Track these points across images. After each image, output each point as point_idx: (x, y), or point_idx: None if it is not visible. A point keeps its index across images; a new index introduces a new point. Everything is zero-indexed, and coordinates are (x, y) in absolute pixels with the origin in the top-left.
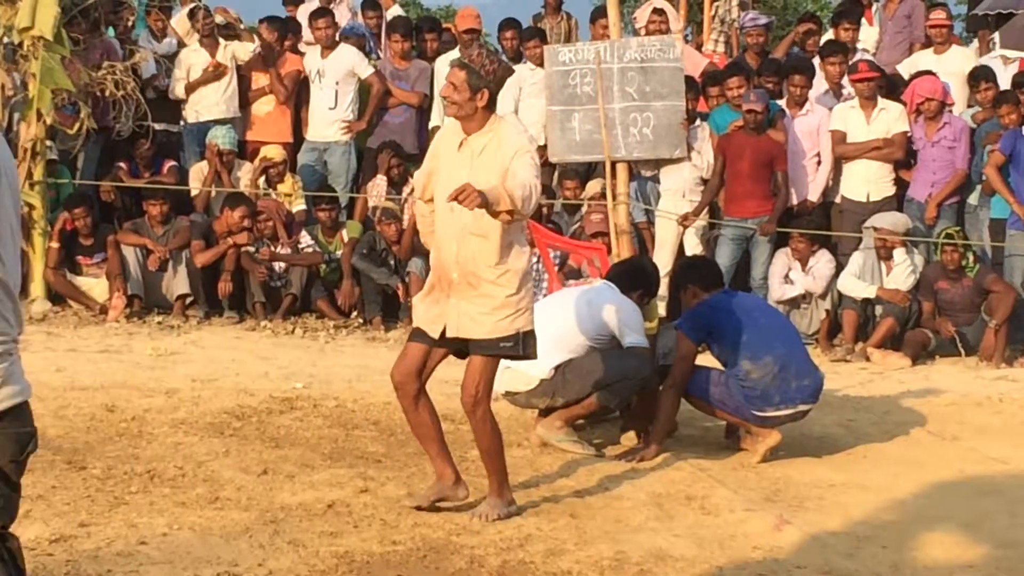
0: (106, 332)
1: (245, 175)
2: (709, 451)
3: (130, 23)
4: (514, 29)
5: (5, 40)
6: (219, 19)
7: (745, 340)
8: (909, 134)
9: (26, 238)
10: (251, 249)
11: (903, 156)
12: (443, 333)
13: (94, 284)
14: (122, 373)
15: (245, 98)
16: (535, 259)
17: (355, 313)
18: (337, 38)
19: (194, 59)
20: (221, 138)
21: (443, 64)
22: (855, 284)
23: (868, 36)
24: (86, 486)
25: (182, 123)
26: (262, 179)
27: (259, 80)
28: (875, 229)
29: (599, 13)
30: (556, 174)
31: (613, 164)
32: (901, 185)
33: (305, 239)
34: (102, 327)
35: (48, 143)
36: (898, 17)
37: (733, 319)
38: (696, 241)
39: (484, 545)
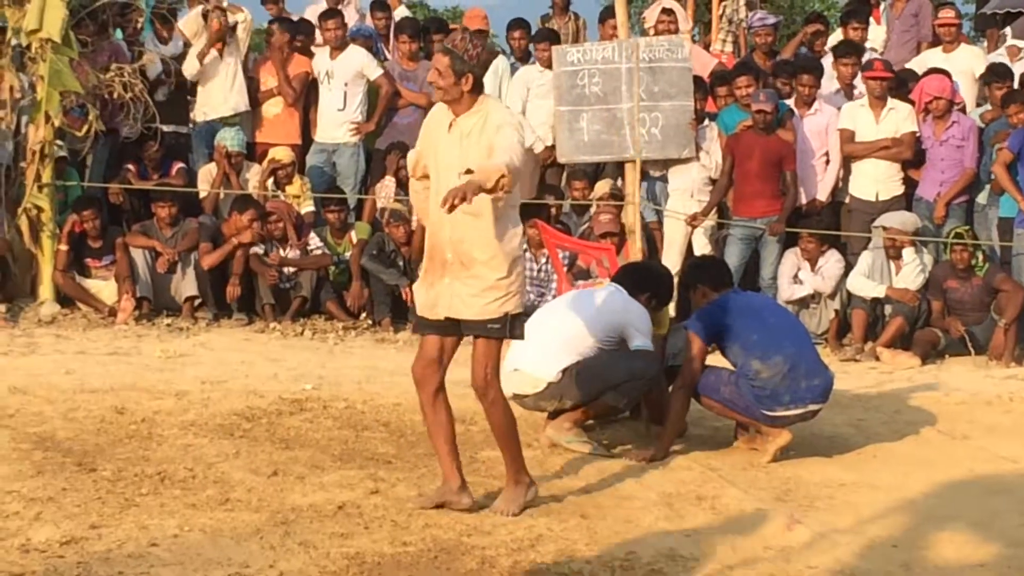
0: (115, 334)
1: (254, 177)
2: (719, 451)
3: (139, 25)
4: (523, 29)
5: (13, 42)
6: (231, 19)
7: (755, 340)
8: (918, 134)
9: (35, 240)
10: (260, 251)
11: (912, 156)
12: (447, 317)
13: (103, 286)
14: (131, 375)
15: (254, 99)
16: (544, 260)
17: (364, 315)
18: (346, 39)
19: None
20: (230, 140)
21: None
22: (864, 284)
23: (876, 35)
24: (96, 488)
25: (191, 125)
26: (270, 181)
27: (268, 81)
28: (884, 228)
29: (607, 13)
30: (565, 174)
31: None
32: (910, 184)
33: (314, 241)
34: (111, 329)
35: (57, 144)
36: (905, 16)
37: (743, 319)
38: (705, 241)
39: (495, 546)
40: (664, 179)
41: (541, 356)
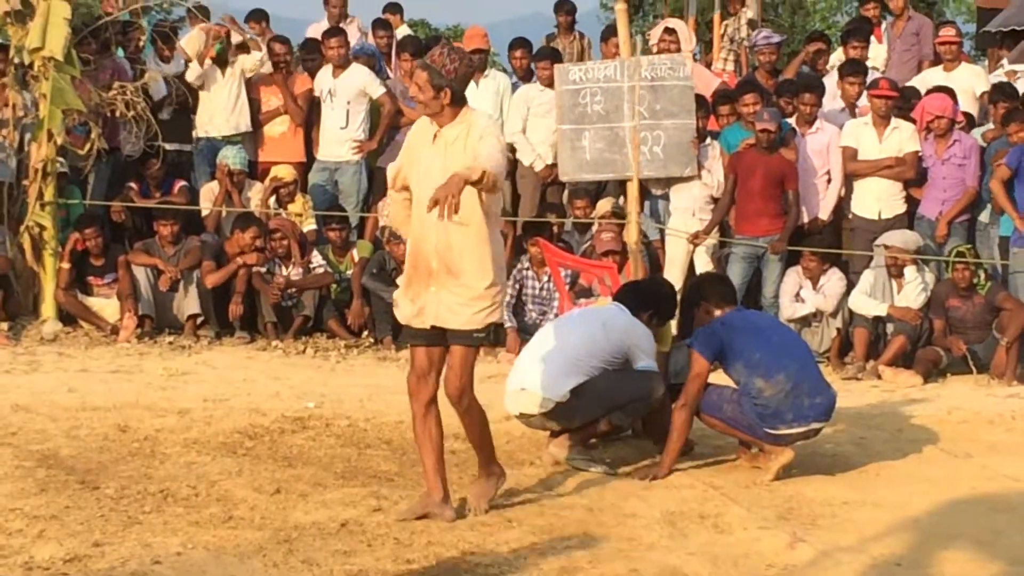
0: (117, 352)
1: (256, 195)
2: (721, 469)
3: (140, 43)
4: (524, 48)
5: (16, 61)
6: (236, 38)
7: (758, 358)
8: (920, 153)
9: (37, 259)
10: (262, 269)
11: (914, 176)
12: (433, 326)
13: (105, 304)
14: (134, 393)
15: (256, 119)
16: (546, 278)
17: (366, 333)
18: (348, 57)
19: (208, 73)
20: (232, 158)
21: None
22: (866, 302)
23: (877, 54)
24: (100, 506)
25: (193, 143)
26: (273, 199)
27: (270, 101)
28: (886, 247)
29: (610, 32)
30: (566, 193)
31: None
32: (912, 203)
33: (316, 259)
34: (113, 347)
35: (59, 162)
36: (906, 35)
37: (746, 337)
38: (707, 259)
39: (498, 564)
40: (666, 197)
41: (549, 376)
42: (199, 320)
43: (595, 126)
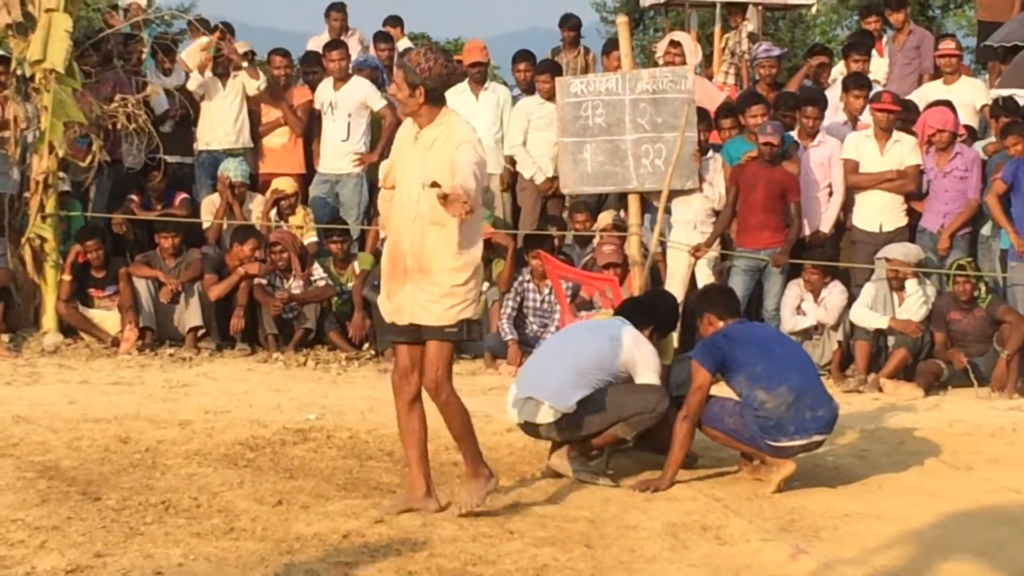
0: (118, 364)
1: (257, 208)
2: (723, 481)
3: (141, 56)
4: (528, 62)
5: (18, 73)
6: (241, 50)
7: (760, 370)
8: (922, 167)
9: (38, 271)
10: (263, 282)
11: (915, 189)
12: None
13: (106, 316)
14: (135, 405)
15: (256, 131)
16: (547, 290)
17: (367, 345)
18: (350, 71)
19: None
20: (233, 171)
21: (453, 96)
22: (867, 315)
23: (878, 67)
24: (101, 517)
25: (194, 156)
26: (273, 211)
27: (270, 113)
28: (887, 260)
29: (612, 45)
30: (568, 206)
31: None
32: (913, 216)
33: (317, 271)
34: (114, 359)
35: (60, 176)
36: (907, 48)
37: (748, 349)
38: (708, 272)
39: (499, 575)
40: (667, 210)
41: (557, 386)
42: (200, 332)
43: (596, 139)
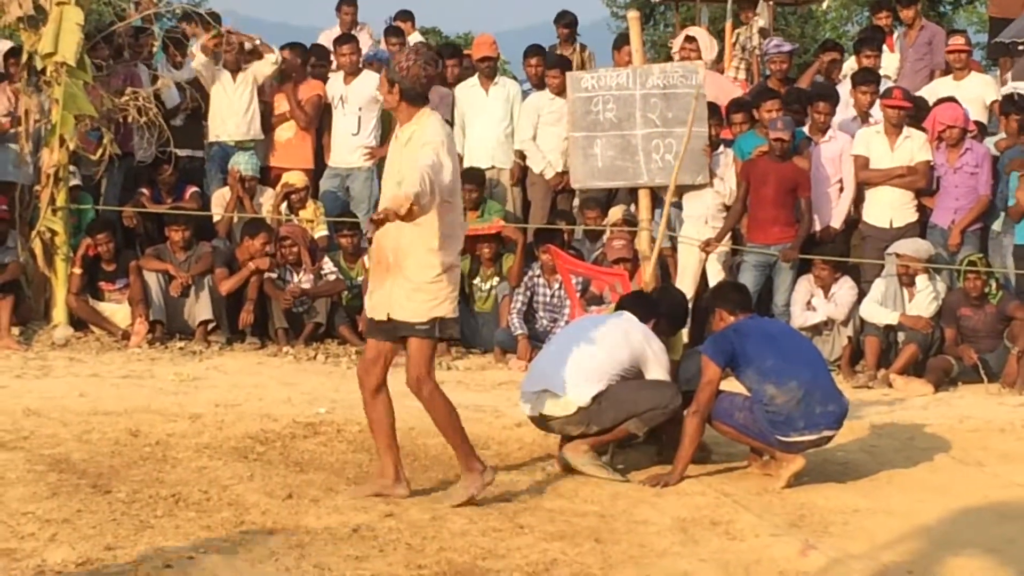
0: (128, 357)
1: (267, 201)
2: (733, 476)
3: (152, 49)
4: (540, 56)
5: (29, 66)
6: (248, 45)
7: (770, 365)
8: (932, 163)
9: (48, 264)
10: (273, 275)
11: (926, 185)
12: (388, 317)
13: (116, 310)
14: (145, 398)
15: (268, 123)
16: (557, 285)
17: None
18: (361, 65)
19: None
20: (243, 164)
21: (463, 91)
22: (877, 311)
23: (889, 63)
24: (111, 510)
25: (205, 149)
26: (284, 205)
27: (281, 105)
28: (898, 256)
29: (622, 40)
30: (576, 201)
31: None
32: (923, 211)
33: (327, 265)
34: (124, 352)
35: (71, 169)
36: (919, 44)
37: (758, 344)
38: (718, 267)
39: (509, 570)
40: (678, 205)
41: (574, 380)
42: (210, 326)
43: (607, 134)
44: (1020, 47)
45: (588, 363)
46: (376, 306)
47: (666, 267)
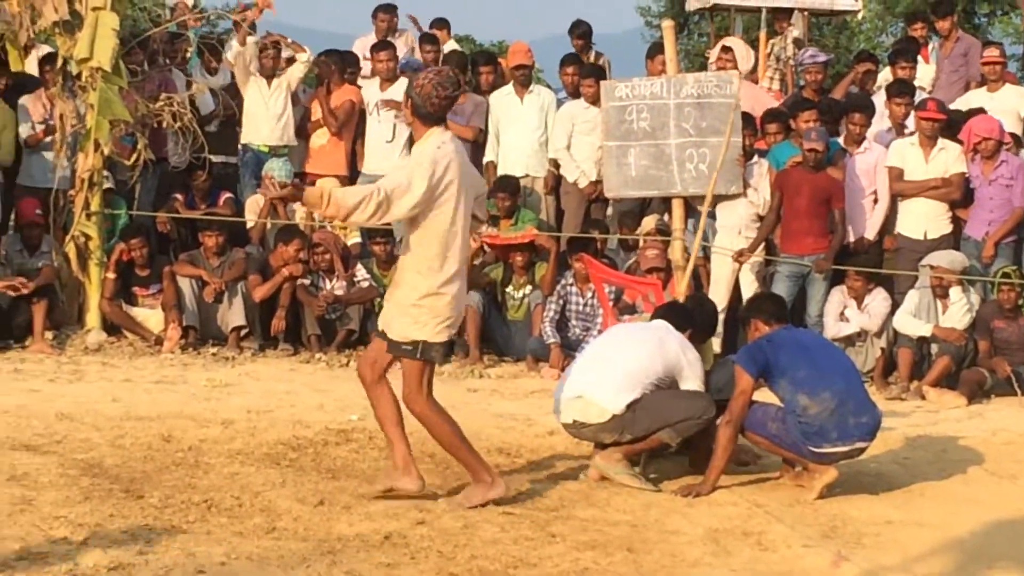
0: (161, 363)
1: (301, 208)
2: (765, 487)
3: (187, 55)
4: (576, 65)
5: (64, 71)
6: (285, 53)
7: (803, 375)
8: (966, 175)
9: (82, 268)
10: (306, 282)
11: (960, 197)
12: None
13: (150, 315)
14: (178, 403)
15: (304, 130)
16: (590, 294)
17: None
18: (396, 71)
19: (252, 84)
20: (278, 170)
21: (498, 98)
22: (911, 322)
23: (924, 74)
24: (144, 515)
25: (239, 155)
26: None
27: (318, 111)
28: (931, 267)
29: (656, 49)
30: (611, 211)
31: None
32: (958, 223)
33: (360, 272)
34: (157, 358)
35: (105, 174)
36: (954, 56)
37: (791, 354)
38: (752, 278)
39: None
40: (712, 215)
41: (609, 388)
42: (243, 332)
43: (641, 143)
44: None
45: (623, 371)
46: (382, 316)
47: (698, 277)
